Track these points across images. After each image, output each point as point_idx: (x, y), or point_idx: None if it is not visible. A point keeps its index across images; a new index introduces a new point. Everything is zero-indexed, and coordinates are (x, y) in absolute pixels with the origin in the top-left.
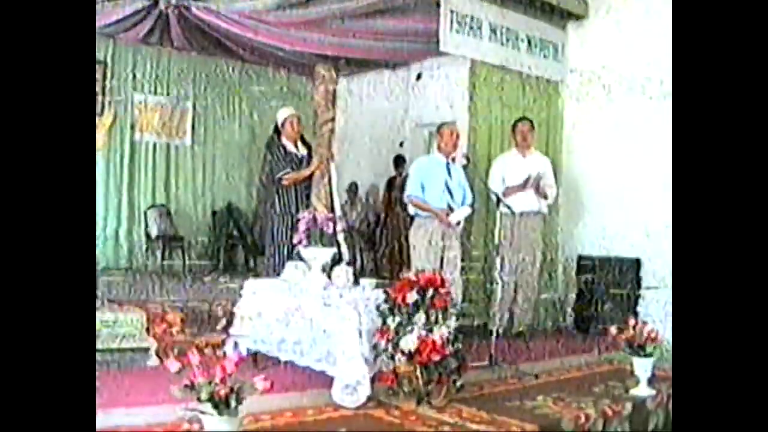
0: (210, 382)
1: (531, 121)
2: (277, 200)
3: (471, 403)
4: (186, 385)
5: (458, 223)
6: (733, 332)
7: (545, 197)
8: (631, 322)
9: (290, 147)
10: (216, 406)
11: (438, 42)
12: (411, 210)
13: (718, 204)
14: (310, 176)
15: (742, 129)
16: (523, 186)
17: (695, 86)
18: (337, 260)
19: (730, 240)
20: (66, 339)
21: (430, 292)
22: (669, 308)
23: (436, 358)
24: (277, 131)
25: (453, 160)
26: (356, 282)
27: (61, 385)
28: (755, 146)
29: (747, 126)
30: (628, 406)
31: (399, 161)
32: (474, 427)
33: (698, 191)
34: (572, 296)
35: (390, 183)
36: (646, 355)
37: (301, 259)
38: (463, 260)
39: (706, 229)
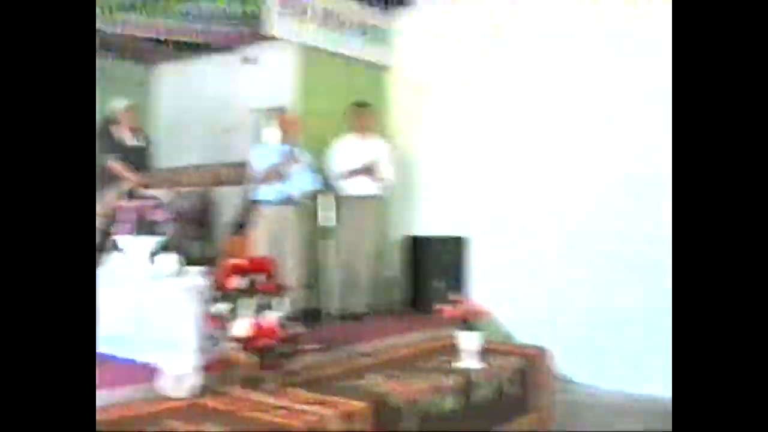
0: None
1: (368, 105)
2: None
3: (304, 386)
4: None
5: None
6: (732, 332)
7: (381, 180)
8: (458, 298)
9: (126, 137)
10: None
11: (263, 26)
12: (256, 196)
13: (717, 201)
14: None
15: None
16: (361, 171)
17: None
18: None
19: (729, 237)
20: None
21: (258, 276)
22: (497, 285)
23: (269, 343)
24: (108, 121)
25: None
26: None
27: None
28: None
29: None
30: (458, 378)
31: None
32: (306, 408)
33: (697, 191)
34: (405, 276)
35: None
36: (473, 330)
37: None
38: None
39: (704, 229)
